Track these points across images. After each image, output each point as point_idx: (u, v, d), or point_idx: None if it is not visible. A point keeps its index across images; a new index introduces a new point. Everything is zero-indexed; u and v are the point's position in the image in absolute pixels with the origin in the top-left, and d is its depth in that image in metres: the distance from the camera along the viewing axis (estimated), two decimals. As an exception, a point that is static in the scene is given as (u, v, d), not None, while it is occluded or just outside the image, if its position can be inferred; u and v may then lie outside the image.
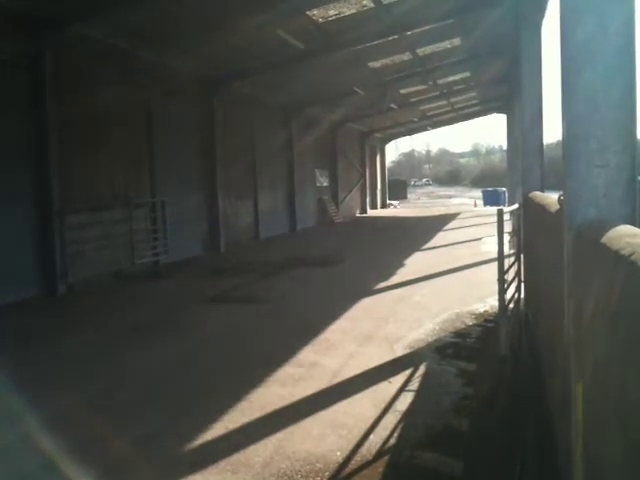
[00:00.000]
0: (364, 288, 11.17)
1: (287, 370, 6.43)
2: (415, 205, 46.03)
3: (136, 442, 4.70)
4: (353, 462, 4.21)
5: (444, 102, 32.63)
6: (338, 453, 4.33)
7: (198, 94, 17.44)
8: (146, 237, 14.74)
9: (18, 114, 11.06)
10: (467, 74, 25.30)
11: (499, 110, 36.51)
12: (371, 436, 4.62)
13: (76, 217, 12.00)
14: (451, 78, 25.65)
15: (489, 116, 43.08)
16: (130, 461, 4.39)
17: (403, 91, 26.46)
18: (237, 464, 4.23)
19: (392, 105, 28.46)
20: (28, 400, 5.37)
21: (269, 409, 5.27)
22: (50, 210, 11.47)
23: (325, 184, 30.84)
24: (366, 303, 10.00)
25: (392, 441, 4.54)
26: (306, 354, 7.04)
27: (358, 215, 36.03)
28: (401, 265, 14.08)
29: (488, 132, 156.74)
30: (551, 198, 5.77)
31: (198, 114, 17.52)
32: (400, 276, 12.58)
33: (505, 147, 42.82)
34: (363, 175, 37.66)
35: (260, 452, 4.40)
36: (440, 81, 25.60)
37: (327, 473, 4.04)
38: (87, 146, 12.64)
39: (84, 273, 12.11)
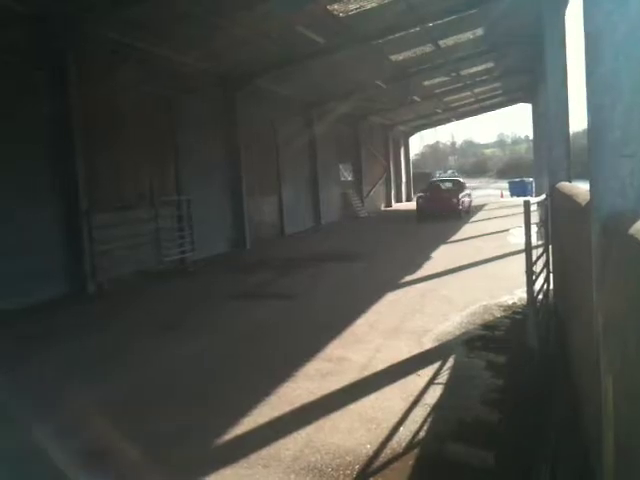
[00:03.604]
0: (390, 282, 11.15)
1: (315, 365, 6.47)
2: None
3: (167, 437, 4.79)
4: (383, 455, 4.23)
5: (468, 93, 32.31)
6: (368, 446, 4.36)
7: (220, 91, 17.54)
8: (172, 235, 14.88)
9: (43, 116, 11.24)
10: (491, 64, 25.02)
11: (524, 100, 36.05)
12: (400, 429, 4.63)
13: (103, 216, 12.16)
14: (474, 69, 25.39)
15: (514, 106, 42.61)
16: (160, 456, 4.46)
17: (426, 83, 26.28)
18: (268, 458, 4.27)
19: (415, 97, 28.28)
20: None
21: (298, 403, 5.32)
22: (78, 210, 11.65)
23: (349, 178, 30.78)
24: (392, 297, 9.99)
25: (422, 434, 4.55)
26: (333, 348, 7.07)
27: (383, 209, 35.91)
28: (427, 258, 14.03)
29: (514, 122, 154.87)
30: (578, 188, 5.71)
31: (220, 111, 17.62)
32: (426, 269, 12.54)
33: (531, 136, 42.19)
34: (387, 168, 37.50)
35: (290, 446, 4.45)
36: (463, 72, 25.37)
37: (357, 466, 4.06)
38: (112, 146, 12.80)
39: (112, 272, 12.28)
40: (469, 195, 27.74)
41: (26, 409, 5.40)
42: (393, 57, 20.14)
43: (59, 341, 8.20)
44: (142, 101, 13.83)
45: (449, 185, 28.75)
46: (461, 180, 29.73)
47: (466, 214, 25.74)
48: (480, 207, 30.60)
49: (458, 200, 24.71)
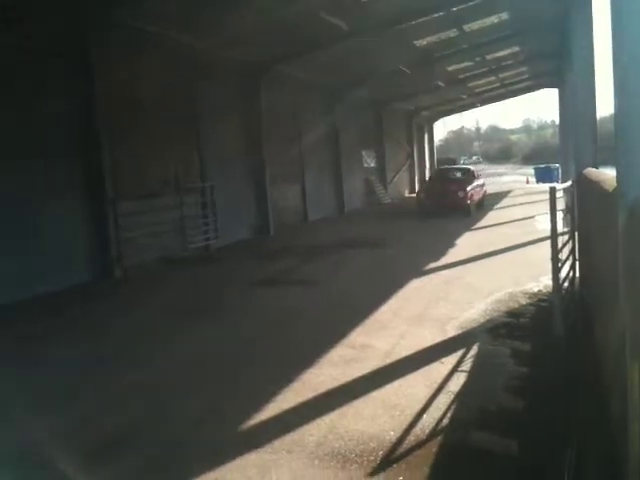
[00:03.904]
0: (414, 269, 11.12)
1: (339, 351, 6.50)
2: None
3: (192, 420, 4.87)
4: (406, 442, 4.24)
5: (493, 78, 31.84)
6: (391, 433, 4.37)
7: (243, 78, 17.53)
8: (196, 222, 15.03)
9: (68, 104, 11.37)
10: (516, 49, 24.61)
11: (550, 84, 35.33)
12: (424, 416, 4.64)
13: (129, 204, 12.31)
14: (500, 53, 24.98)
15: (540, 91, 41.91)
16: (185, 441, 4.53)
17: (450, 68, 25.96)
18: (291, 443, 4.32)
19: (439, 83, 28.00)
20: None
21: (322, 390, 5.35)
22: (104, 198, 11.83)
23: (372, 165, 30.63)
24: (416, 284, 9.97)
25: (445, 422, 4.56)
26: (357, 335, 7.09)
27: (407, 195, 35.72)
28: (451, 245, 13.96)
29: (540, 107, 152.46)
30: (605, 174, 5.63)
31: (244, 98, 17.64)
32: (451, 256, 12.48)
33: (557, 121, 41.51)
34: (411, 154, 37.26)
35: (314, 432, 4.48)
36: (488, 57, 25.00)
37: (381, 452, 4.09)
38: (137, 134, 12.90)
39: (138, 258, 12.44)
40: (481, 186, 23.60)
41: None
42: (417, 42, 19.92)
43: (89, 324, 8.41)
44: (165, 88, 13.87)
45: (457, 175, 23.76)
46: (472, 169, 25.01)
47: (478, 209, 22.02)
48: (505, 194, 30.30)
49: (466, 194, 20.57)
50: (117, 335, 7.89)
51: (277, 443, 4.33)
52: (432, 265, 11.55)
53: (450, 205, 20.49)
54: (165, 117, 13.91)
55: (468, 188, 20.86)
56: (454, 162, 57.10)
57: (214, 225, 15.49)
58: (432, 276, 10.68)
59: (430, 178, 23.33)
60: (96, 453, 4.33)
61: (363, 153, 29.45)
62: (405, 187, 36.44)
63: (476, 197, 22.04)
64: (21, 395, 5.66)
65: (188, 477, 3.89)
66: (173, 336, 7.60)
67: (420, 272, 10.92)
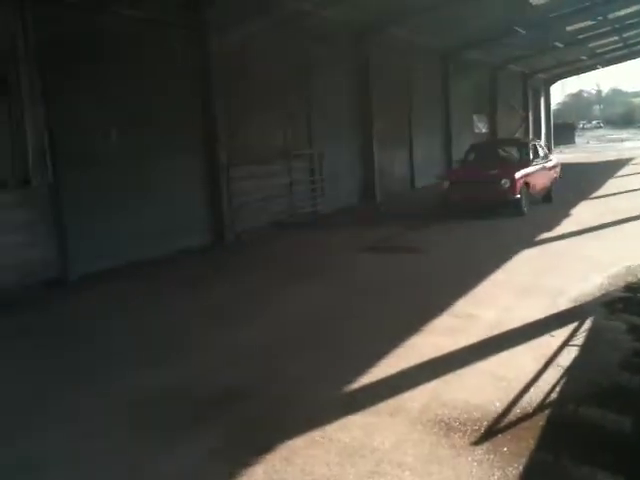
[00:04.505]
0: (525, 239, 10.76)
1: (443, 320, 6.45)
2: (584, 150, 42.89)
3: (299, 379, 5.02)
4: (512, 414, 4.16)
5: (615, 38, 29.74)
6: (497, 404, 4.31)
7: (351, 41, 17.33)
8: (304, 188, 15.26)
9: (187, 74, 11.79)
10: (642, 6, 22.81)
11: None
12: (531, 389, 4.52)
13: (240, 170, 12.65)
14: (623, 12, 23.20)
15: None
16: (290, 399, 4.68)
17: (569, 28, 24.44)
18: (394, 407, 4.35)
19: (557, 44, 26.47)
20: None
21: (426, 357, 5.33)
22: (218, 164, 12.22)
23: (484, 130, 29.63)
24: (527, 255, 9.66)
25: (554, 396, 4.43)
26: (463, 305, 6.99)
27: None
28: (566, 215, 13.35)
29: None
30: None
31: (352, 62, 17.47)
32: (565, 226, 11.97)
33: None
34: (525, 119, 35.69)
35: (417, 398, 4.49)
36: (611, 15, 23.31)
37: (485, 422, 4.04)
38: (248, 101, 13.10)
39: (248, 222, 12.84)
40: (548, 169, 15.88)
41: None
42: (533, 1, 18.87)
43: (207, 285, 8.87)
44: (275, 54, 13.99)
45: (504, 153, 16.50)
46: (533, 143, 16.51)
47: (547, 200, 15.80)
48: (626, 161, 28.44)
49: (514, 182, 13.51)
50: (227, 295, 8.23)
51: (380, 406, 4.39)
52: (545, 235, 11.14)
53: (489, 199, 13.82)
54: (276, 84, 14.04)
55: (518, 174, 13.74)
56: (572, 127, 54.18)
57: (321, 191, 15.68)
58: (544, 247, 10.34)
59: (464, 159, 16.22)
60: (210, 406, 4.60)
61: (474, 118, 28.54)
62: (518, 154, 35.02)
63: (538, 186, 14.89)
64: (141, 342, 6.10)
65: (293, 434, 4.02)
66: (282, 296, 7.88)
67: (531, 242, 10.56)
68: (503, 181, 13.48)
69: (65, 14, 9.31)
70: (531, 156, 14.96)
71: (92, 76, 9.72)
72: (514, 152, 15.89)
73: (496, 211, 13.79)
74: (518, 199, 13.63)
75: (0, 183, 8.58)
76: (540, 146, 16.61)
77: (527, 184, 14.03)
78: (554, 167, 16.53)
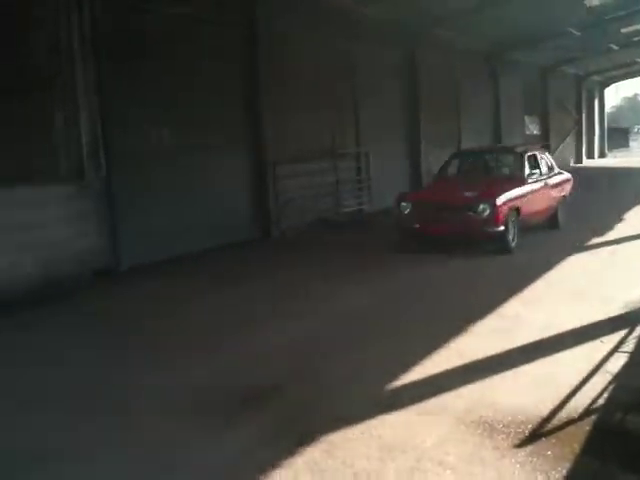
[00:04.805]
0: (575, 243, 10.55)
1: (489, 321, 6.39)
2: (638, 154, 41.63)
3: (342, 376, 5.04)
4: (557, 419, 4.09)
5: (674, 41, 28.78)
6: (542, 408, 4.23)
7: (399, 42, 17.22)
8: (350, 187, 15.29)
9: (236, 74, 12.03)
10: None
11: None
12: (577, 395, 4.43)
13: (287, 168, 12.74)
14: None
15: None
16: (333, 394, 4.71)
17: (624, 30, 23.77)
18: (438, 407, 4.34)
19: (612, 45, 25.79)
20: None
21: (471, 358, 5.28)
22: (265, 162, 12.38)
23: (535, 132, 29.03)
24: (577, 259, 9.48)
25: (601, 402, 4.33)
26: (509, 307, 6.91)
27: (572, 165, 33.56)
28: (619, 220, 13.03)
29: None
30: None
31: (399, 63, 17.45)
32: (617, 231, 11.71)
33: None
34: (578, 122, 34.87)
35: (460, 399, 4.46)
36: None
37: (529, 425, 3.98)
38: (295, 98, 13.20)
39: (294, 220, 12.94)
40: (555, 186, 12.05)
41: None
42: (587, 2, 18.41)
43: (252, 279, 9.02)
44: (323, 54, 14.04)
45: (495, 166, 12.54)
46: (531, 153, 11.80)
47: (553, 227, 12.19)
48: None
49: (496, 209, 9.68)
50: (268, 289, 8.39)
51: (423, 405, 4.38)
52: (596, 240, 10.92)
53: (457, 231, 10.01)
54: (323, 83, 14.08)
55: (502, 197, 9.93)
56: (627, 131, 52.63)
57: (367, 190, 15.66)
58: (595, 251, 10.18)
59: (437, 175, 12.48)
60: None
61: (526, 119, 28.05)
62: (571, 156, 34.18)
63: (535, 211, 11.11)
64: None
65: (335, 428, 4.05)
66: (322, 293, 7.94)
67: (582, 247, 10.39)
68: (481, 207, 9.72)
69: (119, 11, 9.61)
70: (526, 170, 11.04)
71: (144, 73, 10.00)
72: (507, 164, 12.17)
73: (474, 244, 10.40)
74: (502, 232, 9.79)
75: (56, 176, 8.87)
76: (542, 157, 12.24)
77: (518, 210, 10.28)
78: (560, 184, 12.39)
